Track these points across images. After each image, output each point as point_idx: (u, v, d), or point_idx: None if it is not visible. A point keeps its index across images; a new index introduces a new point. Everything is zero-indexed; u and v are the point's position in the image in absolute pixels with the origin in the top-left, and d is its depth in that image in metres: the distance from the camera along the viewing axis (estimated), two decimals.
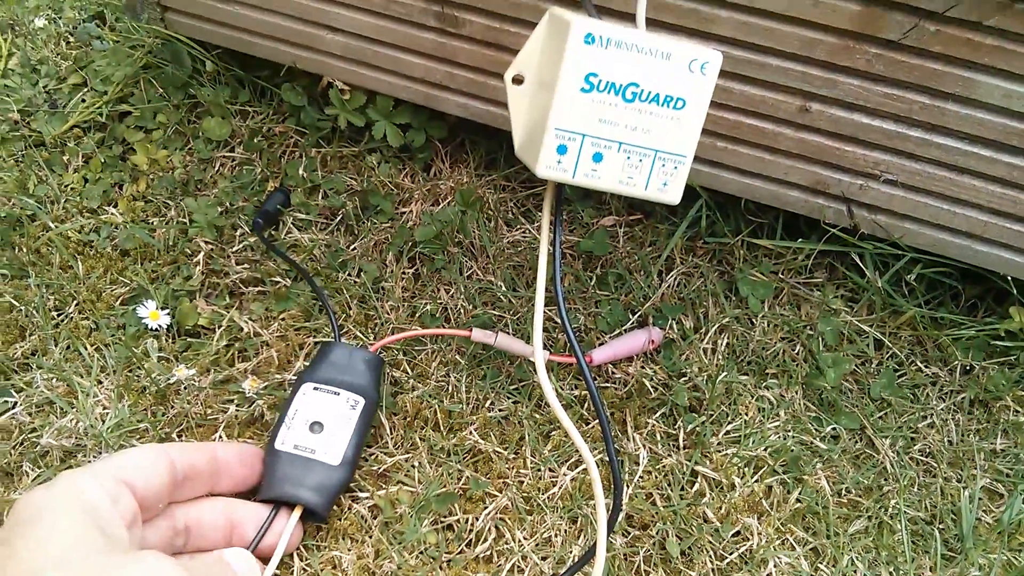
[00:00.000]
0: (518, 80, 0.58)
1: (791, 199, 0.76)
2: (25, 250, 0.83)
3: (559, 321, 0.77)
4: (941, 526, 0.70)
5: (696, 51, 0.53)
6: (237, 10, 0.85)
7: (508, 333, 0.77)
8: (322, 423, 0.65)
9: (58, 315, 0.78)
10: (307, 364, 0.74)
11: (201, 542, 0.60)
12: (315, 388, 0.67)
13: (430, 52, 0.79)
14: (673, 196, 0.57)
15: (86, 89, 0.99)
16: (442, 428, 0.71)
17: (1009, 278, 0.74)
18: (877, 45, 0.64)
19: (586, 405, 0.73)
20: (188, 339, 0.76)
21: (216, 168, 0.91)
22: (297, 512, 0.62)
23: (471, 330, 0.72)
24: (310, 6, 0.81)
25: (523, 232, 0.86)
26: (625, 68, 0.53)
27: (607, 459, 0.68)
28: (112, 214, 0.87)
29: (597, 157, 0.55)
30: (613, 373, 0.76)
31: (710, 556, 0.66)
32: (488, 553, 0.65)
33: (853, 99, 0.68)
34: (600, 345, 0.76)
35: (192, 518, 0.59)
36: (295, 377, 0.73)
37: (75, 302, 0.79)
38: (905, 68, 0.65)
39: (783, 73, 0.68)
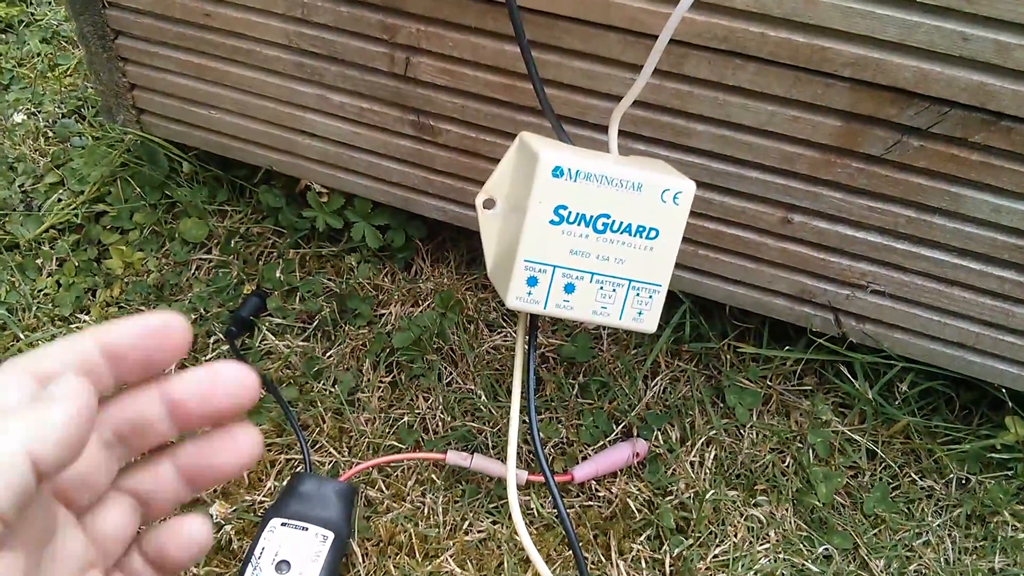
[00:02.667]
0: (489, 204, 0.56)
1: (776, 307, 0.74)
2: None
3: (539, 436, 0.75)
4: None
5: (668, 181, 0.51)
6: (212, 114, 0.84)
7: (488, 446, 0.74)
8: (289, 562, 0.62)
9: None
10: (277, 485, 0.71)
11: (148, 441, 0.41)
12: (283, 524, 0.64)
13: (407, 158, 0.78)
14: (649, 325, 0.55)
15: (63, 188, 0.97)
16: (417, 554, 0.68)
17: (1004, 389, 0.72)
18: (859, 160, 0.63)
19: (576, 521, 0.70)
20: None
21: (192, 271, 0.89)
22: None
23: (446, 452, 0.70)
24: (285, 112, 0.80)
25: (505, 336, 0.84)
26: (595, 200, 0.51)
27: None
28: (84, 322, 0.85)
29: (569, 288, 0.53)
30: (597, 491, 0.73)
31: None
32: None
33: (836, 211, 0.66)
34: (583, 460, 0.74)
35: (117, 423, 0.39)
36: (265, 500, 0.70)
37: None
38: (889, 182, 0.63)
39: (764, 185, 0.66)
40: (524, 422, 0.57)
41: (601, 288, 0.53)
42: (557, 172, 0.50)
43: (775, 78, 0.61)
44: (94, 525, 0.41)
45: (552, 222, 0.51)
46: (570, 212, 0.51)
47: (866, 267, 0.68)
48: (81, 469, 0.39)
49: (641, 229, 0.52)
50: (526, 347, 0.58)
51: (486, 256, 0.57)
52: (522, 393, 0.58)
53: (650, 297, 0.54)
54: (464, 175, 0.76)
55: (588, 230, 0.51)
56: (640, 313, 0.54)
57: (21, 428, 0.32)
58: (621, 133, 0.66)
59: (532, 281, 0.52)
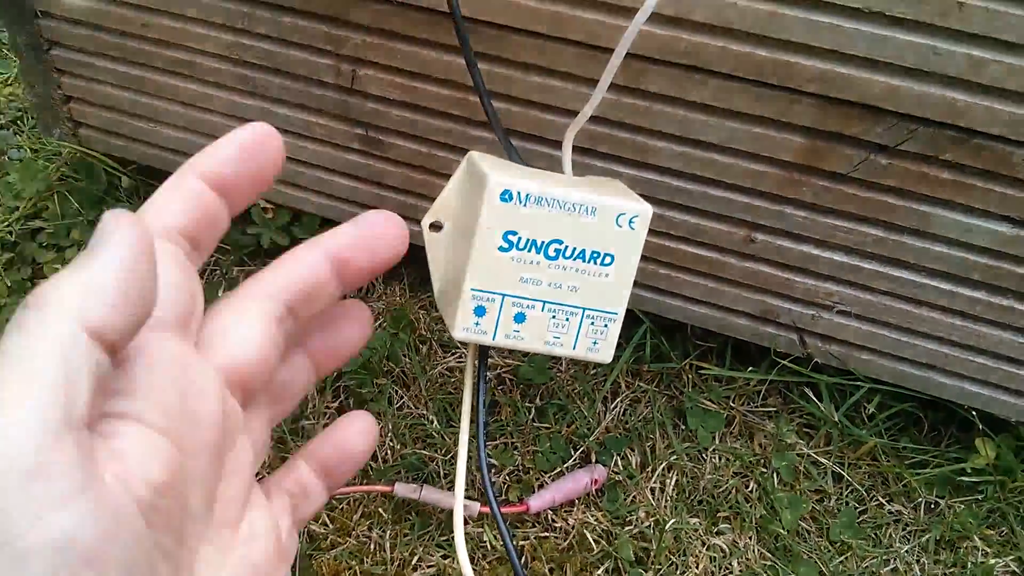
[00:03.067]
0: (436, 227, 0.53)
1: (739, 327, 0.71)
2: None
3: (495, 463, 0.72)
4: None
5: (624, 205, 0.48)
6: (152, 127, 0.80)
7: (440, 474, 0.71)
8: None
9: None
10: None
11: (315, 307, 0.40)
12: None
13: (356, 173, 0.74)
14: (604, 356, 0.51)
15: None
16: None
17: (974, 411, 0.70)
18: (824, 178, 0.60)
19: (524, 559, 0.67)
20: None
21: None
22: None
23: (393, 485, 0.66)
24: (228, 126, 0.76)
25: (459, 357, 0.81)
26: (547, 225, 0.48)
27: None
28: None
29: (519, 318, 0.49)
30: (554, 521, 0.70)
31: None
32: None
33: (801, 230, 0.64)
34: (540, 487, 0.71)
35: (291, 291, 0.38)
36: None
37: None
38: (856, 201, 0.61)
39: (726, 203, 0.64)
40: (472, 456, 0.54)
41: (554, 317, 0.50)
42: (506, 196, 0.47)
43: (738, 94, 0.58)
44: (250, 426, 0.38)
45: (501, 248, 0.48)
46: (520, 238, 0.48)
47: (832, 287, 0.66)
48: (258, 357, 0.36)
49: (596, 255, 0.49)
50: (475, 379, 0.55)
51: (433, 281, 0.54)
52: (471, 431, 0.55)
53: (605, 326, 0.51)
54: (416, 191, 0.73)
55: (539, 257, 0.48)
56: (595, 343, 0.51)
57: (73, 296, 0.27)
58: (578, 149, 0.63)
59: (480, 311, 0.49)
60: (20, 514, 0.25)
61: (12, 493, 0.25)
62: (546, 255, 0.48)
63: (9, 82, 1.16)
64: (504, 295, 0.49)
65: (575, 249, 0.48)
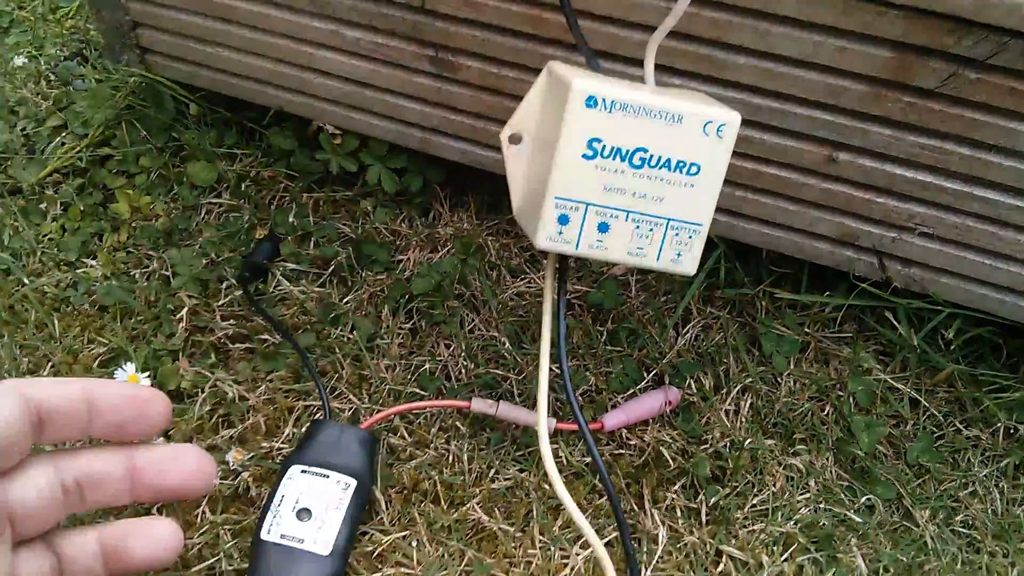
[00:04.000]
0: (515, 139, 0.52)
1: (817, 251, 0.70)
2: None
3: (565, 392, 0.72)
4: None
5: (711, 112, 0.47)
6: (220, 52, 0.80)
7: (513, 394, 0.72)
8: (310, 509, 0.59)
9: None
10: (295, 431, 0.69)
11: (102, 496, 0.51)
12: (303, 471, 0.61)
13: (425, 96, 0.74)
14: (688, 268, 0.51)
15: (66, 132, 0.94)
16: (442, 502, 0.66)
17: None
18: (911, 94, 0.59)
19: (607, 470, 0.67)
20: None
21: (202, 216, 0.86)
22: None
23: (470, 401, 0.67)
24: (296, 50, 0.76)
25: (528, 283, 0.81)
26: (632, 133, 0.47)
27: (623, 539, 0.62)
28: (91, 267, 0.82)
29: (603, 227, 0.49)
30: (628, 439, 0.70)
31: None
32: None
33: (884, 149, 0.62)
34: (612, 408, 0.71)
35: (82, 471, 0.50)
36: (283, 447, 0.68)
37: (50, 364, 0.74)
38: (942, 118, 0.59)
39: (808, 121, 0.62)
40: (553, 369, 0.54)
41: (637, 227, 0.49)
42: (591, 102, 0.46)
43: (822, 5, 0.56)
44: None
45: (585, 156, 0.47)
46: (604, 146, 0.47)
47: (914, 208, 0.65)
48: (35, 500, 0.47)
49: (681, 164, 0.48)
50: (555, 291, 0.54)
51: (512, 196, 0.54)
52: (552, 338, 0.55)
53: (689, 237, 0.50)
54: (487, 114, 0.72)
55: (624, 165, 0.48)
56: (679, 254, 0.51)
57: None
58: (656, 67, 0.62)
59: (563, 220, 0.49)
60: None
61: None
62: (631, 163, 0.48)
63: (70, 15, 1.17)
64: (588, 204, 0.48)
65: (660, 158, 0.48)
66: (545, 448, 0.55)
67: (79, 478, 0.50)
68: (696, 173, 0.48)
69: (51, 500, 0.48)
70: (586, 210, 0.48)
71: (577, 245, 0.49)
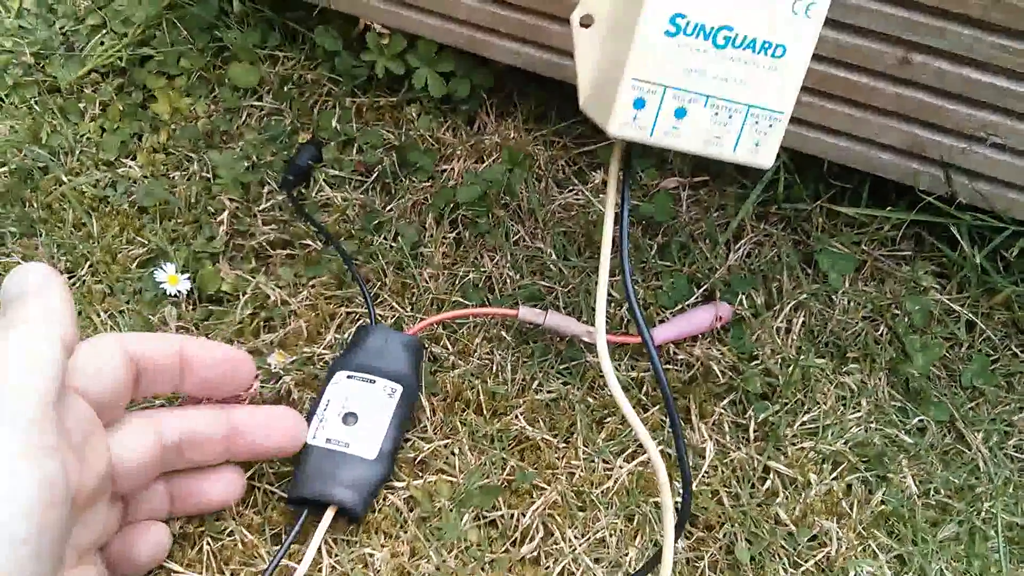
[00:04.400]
0: (586, 22, 0.50)
1: (882, 162, 0.68)
2: (36, 205, 0.76)
3: (616, 295, 0.70)
4: None
5: None
6: None
7: (559, 307, 0.70)
8: (356, 414, 0.58)
9: (70, 278, 0.72)
10: (338, 337, 0.67)
11: (200, 456, 0.54)
12: (348, 376, 0.60)
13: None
14: (766, 159, 0.49)
15: (105, 31, 0.91)
16: (485, 412, 0.64)
17: None
18: None
19: (644, 389, 0.66)
20: (210, 306, 0.70)
21: (243, 118, 0.84)
22: (330, 513, 0.55)
23: (518, 308, 0.65)
24: None
25: (576, 194, 0.79)
26: (717, 8, 0.45)
27: (671, 453, 0.61)
28: (130, 167, 0.80)
29: (680, 112, 0.47)
30: (676, 354, 0.69)
31: (783, 564, 0.59)
32: (535, 554, 0.58)
33: (963, 51, 0.59)
34: (661, 323, 0.69)
35: (184, 431, 0.52)
36: (325, 353, 0.66)
37: (88, 264, 0.72)
38: None
39: (883, 19, 0.60)
40: (614, 263, 0.53)
41: (716, 114, 0.47)
42: None
43: None
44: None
45: (667, 33, 0.45)
46: (688, 22, 0.45)
47: (988, 116, 0.62)
48: (135, 458, 0.49)
49: (767, 45, 0.46)
50: (619, 190, 0.52)
51: (580, 85, 0.51)
52: (615, 238, 0.53)
53: (770, 126, 0.48)
54: (542, 10, 0.70)
55: (707, 44, 0.45)
56: (757, 144, 0.48)
57: (50, 326, 0.43)
58: None
59: (639, 103, 0.46)
60: None
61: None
62: (714, 43, 0.45)
63: None
64: (667, 86, 0.46)
65: (746, 37, 0.45)
66: (602, 348, 0.53)
67: (182, 437, 0.52)
68: (781, 56, 0.46)
69: (152, 458, 0.51)
70: (664, 93, 0.46)
71: (652, 131, 0.47)
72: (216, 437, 0.54)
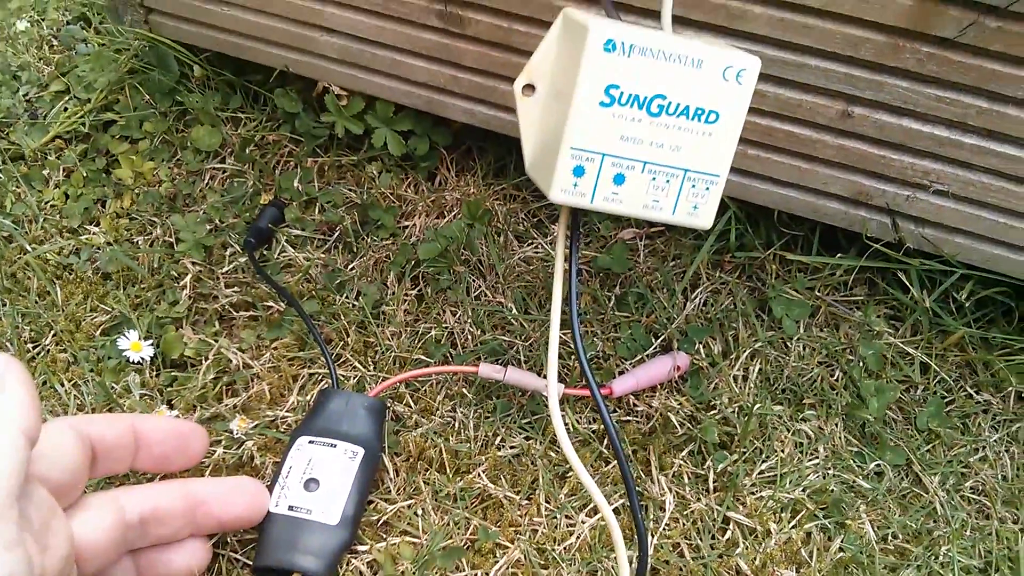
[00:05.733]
0: (529, 90, 0.51)
1: (830, 211, 0.69)
2: (0, 275, 0.77)
3: (574, 349, 0.71)
4: (997, 575, 0.63)
5: (731, 57, 0.46)
6: (224, 11, 0.79)
7: (520, 361, 0.71)
8: (318, 480, 0.58)
9: (34, 347, 0.72)
10: (300, 400, 0.68)
11: (164, 531, 0.53)
12: (310, 441, 0.60)
13: (433, 54, 0.73)
14: (704, 220, 0.50)
15: (68, 97, 0.93)
16: (448, 470, 0.65)
17: None
18: (929, 44, 0.57)
19: (605, 441, 0.67)
20: (173, 372, 0.70)
21: (205, 181, 0.85)
22: None
23: (478, 365, 0.66)
24: (302, 6, 0.75)
25: (536, 248, 0.80)
26: (650, 78, 0.46)
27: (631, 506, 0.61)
28: (94, 233, 0.81)
29: (619, 179, 0.48)
30: (635, 406, 0.69)
31: None
32: None
33: (901, 103, 0.61)
34: (620, 374, 0.70)
35: (146, 507, 0.52)
36: (287, 416, 0.67)
37: (52, 332, 0.73)
38: (961, 69, 0.58)
39: (824, 75, 0.61)
40: (564, 329, 0.53)
41: (654, 179, 0.48)
42: (609, 46, 0.45)
43: None
44: None
45: (602, 104, 0.46)
46: (622, 92, 0.46)
47: (930, 164, 0.64)
48: (97, 539, 0.49)
49: (700, 112, 0.47)
50: (567, 250, 0.53)
51: (525, 149, 0.52)
52: (564, 298, 0.54)
53: (707, 189, 0.49)
54: (495, 72, 0.71)
55: (642, 113, 0.47)
56: (695, 207, 0.50)
57: (12, 415, 0.42)
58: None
59: (579, 171, 0.48)
60: None
61: None
62: (648, 111, 0.47)
63: None
64: (604, 154, 0.47)
65: (679, 105, 0.47)
66: (554, 406, 0.54)
67: (142, 514, 0.52)
68: (715, 121, 0.47)
69: (115, 538, 0.50)
70: (602, 161, 0.47)
71: (592, 198, 0.48)
72: (178, 511, 0.54)
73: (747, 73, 0.47)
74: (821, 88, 0.62)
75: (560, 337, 0.54)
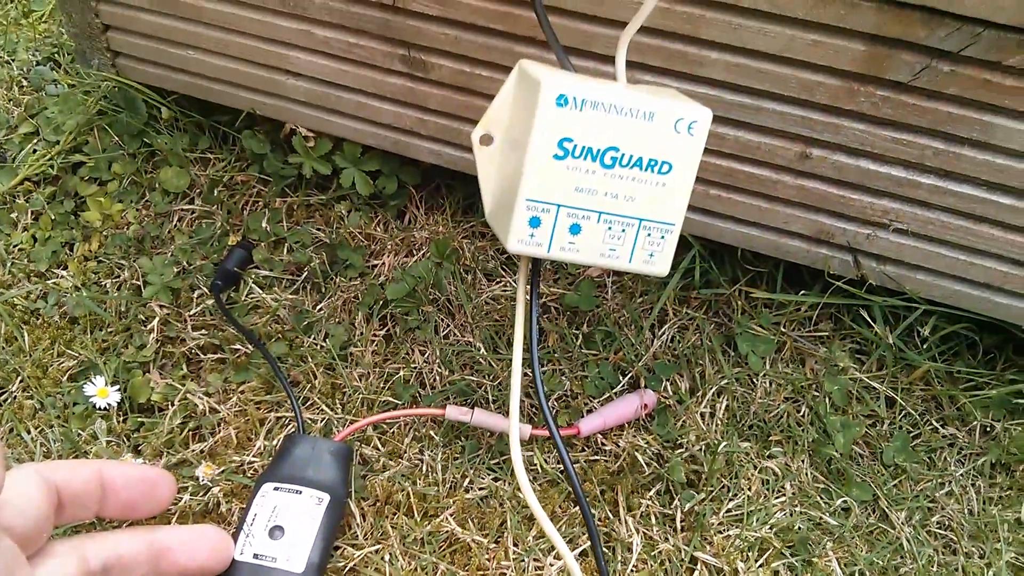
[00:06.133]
0: (486, 140, 0.52)
1: (792, 249, 0.70)
2: None
3: (536, 399, 0.71)
4: None
5: (682, 109, 0.47)
6: (190, 54, 0.79)
7: (489, 400, 0.71)
8: (283, 527, 0.58)
9: (0, 394, 0.72)
10: (267, 444, 0.68)
11: None
12: (275, 488, 0.60)
13: (398, 97, 0.73)
14: (661, 268, 0.51)
15: (37, 139, 0.93)
16: (416, 514, 0.65)
17: None
18: (884, 87, 0.58)
19: (582, 476, 0.67)
20: (140, 417, 0.70)
21: (174, 222, 0.85)
22: None
23: (445, 408, 0.66)
24: (268, 51, 0.75)
25: (504, 286, 0.80)
26: (603, 131, 0.47)
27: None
28: (62, 277, 0.80)
29: (575, 229, 0.48)
30: (603, 444, 0.69)
31: None
32: None
33: (858, 144, 0.62)
34: (589, 412, 0.70)
35: (109, 555, 0.51)
36: (255, 460, 0.67)
37: (19, 379, 0.72)
38: (916, 111, 0.59)
39: (781, 117, 0.62)
40: (527, 374, 0.54)
41: (609, 228, 0.49)
42: (561, 101, 0.46)
43: None
44: None
45: (556, 156, 0.47)
46: (576, 145, 0.47)
47: (888, 204, 0.64)
48: None
49: (653, 163, 0.48)
50: (528, 295, 0.54)
51: (484, 198, 0.53)
52: (524, 344, 0.54)
53: (662, 237, 0.50)
54: (459, 114, 0.72)
55: (595, 165, 0.47)
56: (651, 255, 0.50)
57: None
58: (628, 64, 0.61)
59: (535, 222, 0.48)
60: None
61: None
62: (602, 163, 0.47)
63: (44, 19, 1.15)
64: (559, 205, 0.48)
65: (632, 156, 0.47)
66: (517, 458, 0.54)
67: (106, 562, 0.51)
68: (668, 172, 0.48)
69: None
70: (557, 212, 0.48)
71: (549, 248, 0.49)
72: (142, 559, 0.53)
73: (698, 125, 0.47)
74: (779, 131, 0.63)
75: (528, 375, 0.54)
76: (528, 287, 0.54)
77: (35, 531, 0.47)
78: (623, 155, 0.47)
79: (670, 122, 0.47)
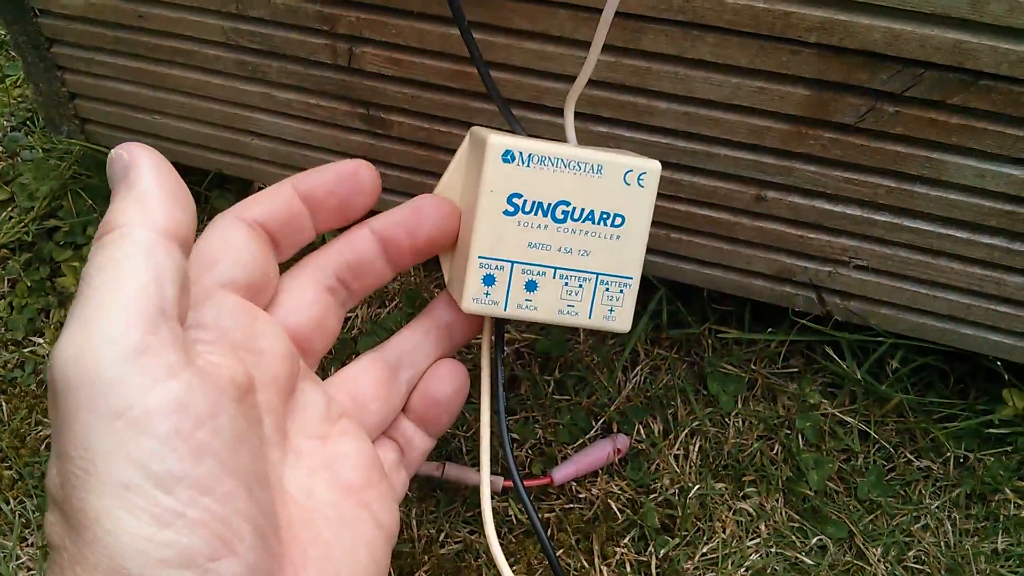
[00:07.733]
0: None
1: (756, 288, 0.70)
2: None
3: (517, 436, 0.71)
4: None
5: (631, 162, 0.48)
6: (156, 119, 0.80)
7: (462, 452, 0.71)
8: None
9: None
10: None
11: (367, 281, 0.50)
12: None
13: (360, 153, 0.74)
14: (622, 324, 0.51)
15: (12, 206, 0.93)
16: (392, 573, 0.65)
17: (999, 361, 0.69)
18: (831, 129, 0.59)
19: (549, 532, 0.67)
20: None
21: None
22: None
23: None
24: (232, 113, 0.76)
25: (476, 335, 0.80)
26: (552, 186, 0.47)
27: None
28: (38, 344, 0.81)
29: (531, 286, 0.49)
30: (578, 492, 0.70)
31: None
32: None
33: (811, 185, 0.62)
34: (563, 460, 0.70)
35: (338, 264, 0.48)
36: None
37: None
38: (865, 152, 0.59)
39: (734, 162, 0.63)
40: (495, 432, 0.54)
41: (566, 284, 0.49)
42: (508, 156, 0.46)
43: (737, 48, 0.57)
44: (347, 384, 0.49)
45: (507, 212, 0.47)
46: (525, 200, 0.47)
47: (847, 242, 0.65)
48: (311, 316, 0.45)
49: (605, 216, 0.48)
50: (492, 354, 0.54)
51: (443, 265, 0.54)
52: (492, 405, 0.55)
53: (620, 291, 0.50)
54: (421, 168, 0.73)
55: (547, 220, 0.48)
56: (611, 311, 0.50)
57: (137, 212, 0.34)
58: (580, 116, 0.62)
59: (489, 280, 0.48)
60: (133, 385, 0.30)
61: (124, 368, 0.30)
62: (553, 218, 0.48)
63: (18, 83, 1.16)
64: (513, 262, 0.48)
65: (583, 210, 0.48)
66: (487, 519, 0.54)
67: (337, 272, 0.48)
68: (621, 224, 0.49)
69: (323, 307, 0.46)
70: (512, 268, 0.48)
71: (505, 306, 0.49)
72: (370, 254, 0.49)
73: (648, 176, 0.48)
74: (733, 175, 0.63)
75: (498, 429, 0.55)
76: (493, 345, 0.54)
77: (261, 280, 0.43)
78: (574, 208, 0.48)
79: (619, 174, 0.48)
